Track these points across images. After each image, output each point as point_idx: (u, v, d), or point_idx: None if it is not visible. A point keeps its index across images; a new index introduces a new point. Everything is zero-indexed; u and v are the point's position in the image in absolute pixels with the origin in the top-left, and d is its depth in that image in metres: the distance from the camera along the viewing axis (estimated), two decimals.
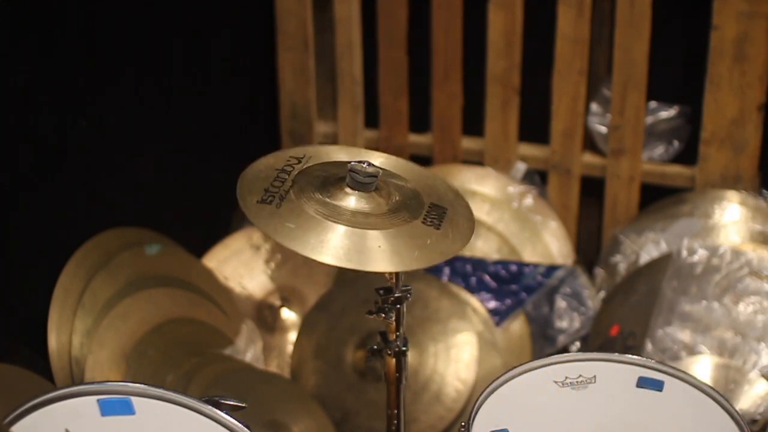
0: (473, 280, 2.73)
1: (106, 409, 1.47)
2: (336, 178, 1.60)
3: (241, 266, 2.76)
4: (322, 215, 1.53)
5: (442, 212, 1.61)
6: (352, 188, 1.58)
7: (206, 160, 2.80)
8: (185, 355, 2.37)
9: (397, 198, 1.61)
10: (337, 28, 2.95)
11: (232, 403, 1.54)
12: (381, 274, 1.64)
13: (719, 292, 2.48)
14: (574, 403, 1.60)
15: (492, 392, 1.60)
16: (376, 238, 1.52)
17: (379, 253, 1.51)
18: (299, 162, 1.65)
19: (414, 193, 1.64)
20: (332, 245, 1.49)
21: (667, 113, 2.84)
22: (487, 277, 2.74)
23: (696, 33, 2.70)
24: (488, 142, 2.95)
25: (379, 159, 1.71)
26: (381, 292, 1.67)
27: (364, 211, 1.56)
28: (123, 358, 2.27)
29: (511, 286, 2.72)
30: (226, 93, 2.90)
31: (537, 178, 2.94)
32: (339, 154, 1.70)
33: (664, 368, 1.65)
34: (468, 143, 2.99)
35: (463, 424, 1.55)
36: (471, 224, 1.64)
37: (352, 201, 1.57)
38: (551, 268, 2.76)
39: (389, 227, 1.55)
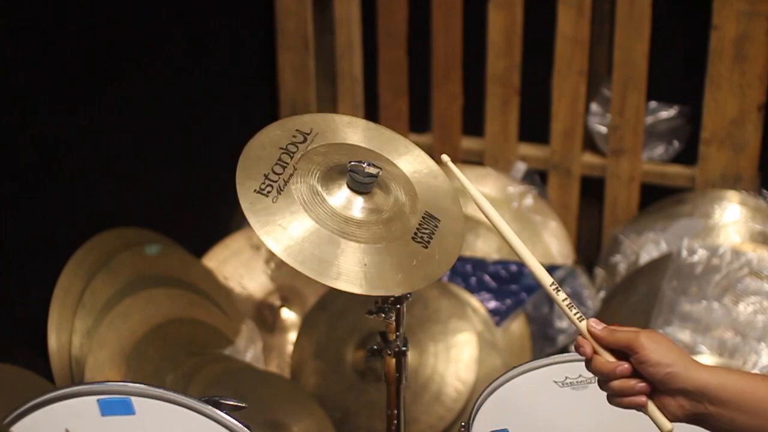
0: (473, 280, 2.73)
1: (106, 409, 1.47)
2: (336, 171, 1.56)
3: (241, 266, 2.76)
4: (315, 219, 1.50)
5: (434, 225, 1.58)
6: (350, 189, 1.55)
7: (206, 160, 2.80)
8: (185, 355, 2.37)
9: (393, 203, 1.57)
10: (337, 28, 2.95)
11: (232, 403, 1.54)
12: None
13: (719, 292, 2.48)
14: (574, 403, 1.60)
15: (492, 392, 1.60)
16: (363, 254, 1.48)
17: (363, 274, 1.46)
18: (304, 140, 1.60)
19: (412, 198, 1.60)
20: (318, 259, 1.45)
21: (667, 113, 2.83)
22: (487, 277, 2.74)
23: (696, 33, 2.70)
24: (488, 142, 2.94)
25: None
26: None
27: (359, 218, 1.53)
28: (123, 358, 2.27)
29: (511, 286, 2.72)
30: (226, 93, 2.90)
31: (537, 178, 2.94)
32: (347, 131, 1.64)
33: None
34: (468, 143, 2.99)
35: (463, 424, 1.54)
36: (459, 242, 1.60)
37: (349, 204, 1.55)
38: (551, 268, 2.76)
39: (379, 241, 1.51)
